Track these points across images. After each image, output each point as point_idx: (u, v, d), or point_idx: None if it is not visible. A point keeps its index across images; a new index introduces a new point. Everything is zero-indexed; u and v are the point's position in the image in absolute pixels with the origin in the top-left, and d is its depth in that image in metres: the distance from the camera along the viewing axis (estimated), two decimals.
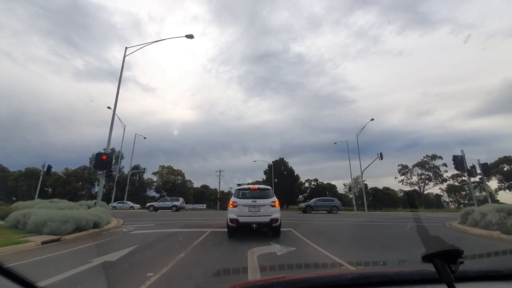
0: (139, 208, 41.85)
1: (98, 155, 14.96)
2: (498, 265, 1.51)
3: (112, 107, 16.92)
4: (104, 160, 14.97)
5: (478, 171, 17.46)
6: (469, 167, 17.15)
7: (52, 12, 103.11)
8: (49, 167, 22.69)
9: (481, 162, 17.59)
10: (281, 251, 6.62)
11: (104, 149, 60.44)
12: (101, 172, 15.47)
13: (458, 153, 17.01)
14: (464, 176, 57.88)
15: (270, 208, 8.60)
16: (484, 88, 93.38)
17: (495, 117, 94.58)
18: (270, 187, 9.45)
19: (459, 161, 16.91)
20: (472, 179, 57.60)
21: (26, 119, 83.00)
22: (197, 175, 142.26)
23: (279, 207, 8.82)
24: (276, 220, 8.48)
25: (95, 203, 15.31)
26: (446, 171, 61.18)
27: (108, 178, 23.02)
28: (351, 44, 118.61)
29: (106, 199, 45.28)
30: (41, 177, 22.85)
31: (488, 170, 19.19)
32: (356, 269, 4.85)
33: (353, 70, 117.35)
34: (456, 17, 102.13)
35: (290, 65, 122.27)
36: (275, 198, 8.91)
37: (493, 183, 55.17)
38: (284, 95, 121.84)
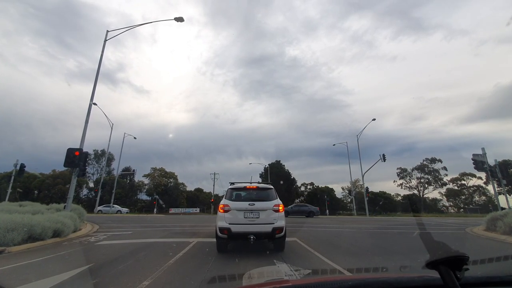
0: (127, 213, 39.33)
1: (70, 150, 12.82)
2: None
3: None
4: (77, 157, 12.88)
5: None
6: (489, 167, 15.42)
7: (44, 12, 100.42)
8: (22, 167, 20.40)
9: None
10: (291, 275, 4.64)
11: (94, 150, 57.77)
12: (73, 171, 13.31)
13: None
14: (467, 179, 56.71)
15: (273, 214, 6.56)
16: (476, 94, 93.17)
17: (488, 122, 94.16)
18: (272, 186, 7.38)
19: (479, 161, 15.19)
20: (471, 183, 56.22)
21: (17, 121, 79.80)
22: (192, 179, 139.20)
23: (283, 212, 6.81)
24: (280, 229, 6.44)
25: (64, 206, 13.14)
26: (446, 175, 59.94)
27: (82, 177, 20.84)
28: (346, 48, 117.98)
29: (93, 202, 42.88)
30: (12, 177, 20.54)
31: (507, 171, 17.53)
32: (356, 275, 4.54)
33: (348, 75, 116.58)
34: (449, 23, 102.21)
35: (285, 68, 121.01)
36: (278, 201, 6.85)
37: (490, 187, 53.97)
38: (279, 99, 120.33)
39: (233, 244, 7.26)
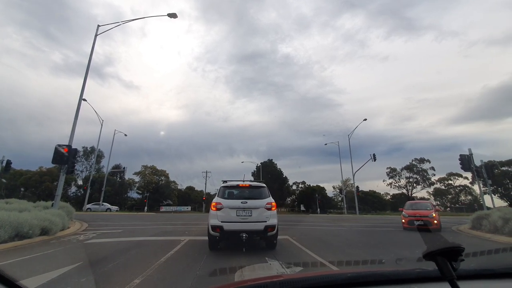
0: (116, 211, 38.78)
1: (58, 147, 12.56)
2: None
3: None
4: (65, 154, 12.63)
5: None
6: (475, 167, 15.83)
7: (29, 1, 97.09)
8: (9, 163, 19.83)
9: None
10: (283, 272, 4.68)
11: (84, 146, 56.37)
12: (62, 168, 13.03)
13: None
14: (454, 179, 58.12)
15: (265, 212, 6.58)
16: (465, 95, 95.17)
17: (475, 124, 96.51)
18: (264, 185, 7.40)
19: (466, 161, 15.57)
20: (457, 183, 57.41)
21: (0, 116, 77.03)
22: (183, 177, 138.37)
23: (276, 210, 6.84)
24: (272, 227, 6.48)
25: (52, 204, 12.86)
26: (434, 175, 61.30)
27: (70, 174, 20.47)
28: (338, 47, 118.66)
29: (81, 200, 42.07)
30: None
31: (492, 172, 18.02)
32: (352, 269, 4.59)
33: (340, 74, 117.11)
34: (440, 25, 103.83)
35: (278, 66, 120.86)
36: (271, 199, 6.88)
37: (475, 187, 55.40)
38: (271, 97, 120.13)
39: (225, 242, 7.26)
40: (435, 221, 12.67)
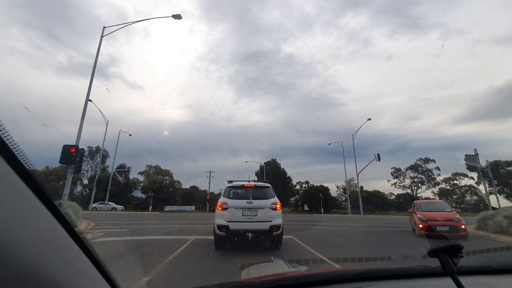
0: (122, 210, 39.16)
1: (65, 147, 12.74)
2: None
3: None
4: (72, 153, 12.80)
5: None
6: (481, 167, 15.74)
7: (32, 2, 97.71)
8: None
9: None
10: (289, 271, 4.75)
11: (89, 146, 56.93)
12: (69, 168, 13.22)
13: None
14: (459, 179, 57.63)
15: (271, 212, 6.66)
16: (470, 94, 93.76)
17: (480, 123, 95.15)
18: (269, 185, 7.48)
19: (471, 161, 15.49)
20: (463, 183, 56.81)
21: (3, 116, 77.34)
22: (187, 176, 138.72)
23: (281, 210, 6.92)
24: (278, 227, 6.56)
25: (59, 203, 13.04)
26: (439, 175, 60.83)
27: (78, 174, 20.68)
28: (342, 46, 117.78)
29: (86, 199, 42.58)
30: None
31: (498, 172, 17.90)
32: (360, 266, 4.69)
33: (344, 73, 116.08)
34: (445, 23, 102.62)
35: (281, 65, 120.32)
36: (276, 199, 6.96)
37: (481, 187, 54.84)
38: (274, 96, 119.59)
39: (231, 242, 7.35)
40: (463, 226, 10.18)
